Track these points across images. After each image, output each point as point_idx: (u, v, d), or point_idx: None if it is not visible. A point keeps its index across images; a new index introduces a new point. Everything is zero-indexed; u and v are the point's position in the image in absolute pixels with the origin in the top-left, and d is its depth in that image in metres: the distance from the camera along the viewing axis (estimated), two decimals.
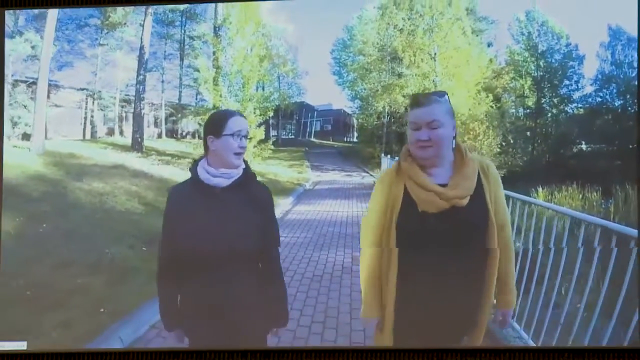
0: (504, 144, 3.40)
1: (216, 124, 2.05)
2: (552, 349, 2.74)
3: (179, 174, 3.42)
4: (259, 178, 3.42)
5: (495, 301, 2.09)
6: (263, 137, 3.57)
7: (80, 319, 2.80)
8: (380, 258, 2.03)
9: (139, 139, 3.61)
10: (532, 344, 2.77)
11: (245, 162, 2.11)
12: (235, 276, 2.04)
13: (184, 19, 3.57)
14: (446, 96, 2.00)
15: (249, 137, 2.14)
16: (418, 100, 1.96)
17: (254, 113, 3.52)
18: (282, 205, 3.48)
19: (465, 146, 2.01)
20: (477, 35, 3.41)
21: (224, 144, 2.03)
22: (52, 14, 3.30)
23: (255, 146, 3.51)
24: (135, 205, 3.21)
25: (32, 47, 3.31)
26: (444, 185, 1.95)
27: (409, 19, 3.41)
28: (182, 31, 3.59)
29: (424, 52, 3.45)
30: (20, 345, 2.86)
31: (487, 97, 3.37)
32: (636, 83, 2.99)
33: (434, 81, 3.46)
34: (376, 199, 2.04)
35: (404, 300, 2.02)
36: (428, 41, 3.44)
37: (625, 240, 2.52)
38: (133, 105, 3.65)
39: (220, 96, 3.45)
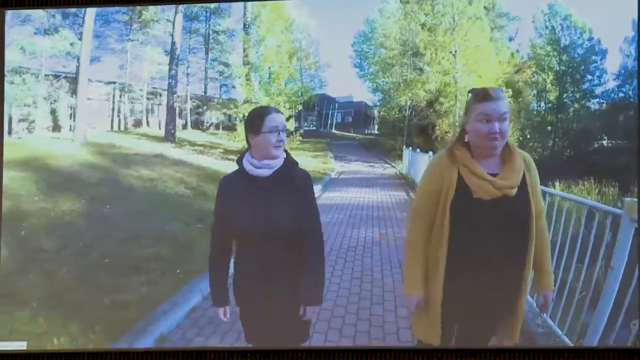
0: (521, 138, 3.41)
1: (255, 122, 2.19)
2: (553, 349, 2.77)
3: (214, 162, 3.62)
4: None
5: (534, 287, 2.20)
6: (292, 129, 3.68)
7: (160, 279, 3.03)
8: (429, 238, 2.11)
9: (172, 131, 3.76)
10: (566, 339, 2.76)
11: (286, 151, 2.24)
12: (277, 257, 2.17)
13: (208, 14, 3.65)
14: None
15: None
16: (489, 95, 2.05)
17: (284, 107, 3.62)
18: None
19: (511, 140, 2.10)
20: (498, 31, 3.41)
21: (263, 140, 2.17)
22: (90, 12, 3.38)
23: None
24: (182, 189, 3.40)
25: (71, 44, 3.42)
26: (494, 175, 2.05)
27: (431, 14, 3.43)
28: (207, 25, 3.67)
29: (445, 49, 3.48)
30: (20, 345, 2.91)
31: (507, 92, 3.38)
32: None
33: (454, 77, 3.49)
34: (429, 182, 2.14)
35: (451, 280, 2.09)
36: (449, 39, 3.46)
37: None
38: (159, 98, 3.76)
39: (252, 91, 3.54)
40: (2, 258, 2.93)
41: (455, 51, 3.48)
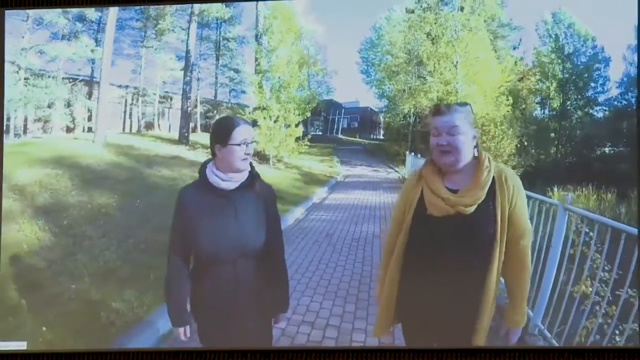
0: (519, 145, 3.46)
1: (222, 133, 2.10)
2: (553, 349, 2.75)
3: None
4: (295, 171, 3.79)
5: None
6: (301, 134, 3.76)
7: None
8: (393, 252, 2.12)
9: (185, 134, 3.87)
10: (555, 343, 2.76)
11: (250, 163, 2.16)
12: (241, 270, 2.11)
13: (219, 21, 3.76)
14: (469, 107, 2.03)
15: (254, 143, 2.17)
16: (440, 109, 2.00)
17: (294, 113, 3.70)
18: (319, 193, 3.80)
19: (488, 155, 2.03)
20: (501, 40, 3.47)
21: (230, 152, 2.09)
22: (111, 18, 3.51)
23: (295, 142, 3.77)
24: None
25: (92, 51, 3.57)
26: (456, 191, 1.99)
27: (434, 26, 3.50)
28: (218, 32, 3.79)
29: (447, 60, 3.55)
30: (20, 345, 2.93)
31: (507, 100, 3.43)
32: None
33: (455, 87, 3.55)
34: (399, 199, 2.14)
35: (405, 294, 2.10)
36: (450, 50, 3.53)
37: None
38: (170, 101, 3.88)
39: (265, 98, 3.64)
40: (49, 243, 3.14)
41: (457, 62, 3.55)
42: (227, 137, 2.08)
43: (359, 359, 2.82)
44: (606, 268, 2.58)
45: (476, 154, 2.02)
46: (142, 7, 3.56)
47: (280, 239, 2.25)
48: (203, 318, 2.20)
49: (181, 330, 2.22)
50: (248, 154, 2.11)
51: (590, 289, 2.65)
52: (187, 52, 3.72)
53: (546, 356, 2.75)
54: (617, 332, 2.60)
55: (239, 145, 2.08)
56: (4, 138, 3.15)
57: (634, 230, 2.51)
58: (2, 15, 3.14)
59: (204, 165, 2.15)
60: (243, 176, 2.13)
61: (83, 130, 3.69)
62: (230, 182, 2.11)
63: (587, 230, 2.67)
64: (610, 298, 2.58)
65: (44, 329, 2.94)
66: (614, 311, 2.57)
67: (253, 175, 2.15)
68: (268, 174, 3.71)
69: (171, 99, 3.89)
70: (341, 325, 2.90)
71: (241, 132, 2.09)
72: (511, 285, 2.05)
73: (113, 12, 3.49)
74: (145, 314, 2.99)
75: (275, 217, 2.23)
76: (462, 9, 3.46)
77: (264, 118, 3.67)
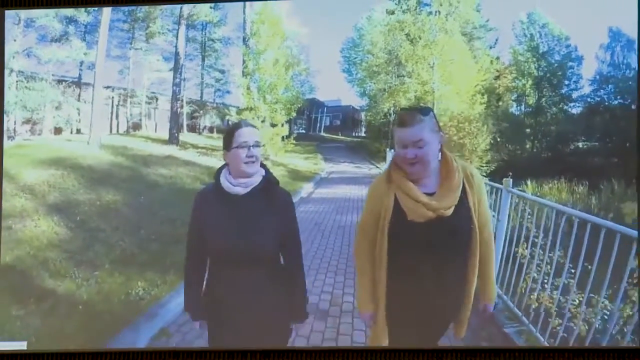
0: (493, 141, 3.55)
1: (226, 138, 2.13)
2: (553, 349, 2.78)
3: (219, 163, 3.84)
4: (282, 168, 3.91)
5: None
6: (287, 133, 3.86)
7: None
8: (373, 261, 2.14)
9: (176, 134, 3.96)
10: (541, 338, 2.85)
11: (266, 168, 2.17)
12: (255, 277, 2.11)
13: (205, 23, 3.86)
14: (431, 112, 2.06)
15: (260, 144, 2.17)
16: (404, 120, 2.02)
17: (280, 114, 3.81)
18: (306, 188, 3.96)
19: (453, 156, 2.09)
20: (478, 40, 3.58)
21: (233, 156, 2.11)
22: (105, 22, 3.58)
23: (281, 141, 3.88)
24: (199, 185, 3.62)
25: (85, 54, 3.64)
26: (431, 194, 2.05)
27: (413, 28, 3.62)
28: (203, 33, 3.88)
29: (424, 62, 3.66)
30: (20, 345, 2.98)
31: (482, 98, 3.54)
32: (632, 83, 3.11)
33: (432, 87, 3.66)
34: (369, 207, 2.16)
35: (394, 300, 2.14)
36: (427, 53, 3.65)
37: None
38: (156, 102, 3.98)
39: (253, 99, 3.73)
40: (67, 237, 3.34)
41: (434, 63, 3.65)
42: (230, 141, 2.11)
43: (359, 358, 2.88)
44: (537, 235, 3.03)
45: (440, 157, 2.09)
46: (129, 8, 3.63)
47: (298, 247, 2.23)
48: (215, 320, 2.25)
49: (197, 323, 2.31)
50: (251, 157, 2.10)
51: (527, 251, 3.09)
52: (177, 54, 3.81)
53: (546, 356, 2.79)
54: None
55: (239, 148, 2.09)
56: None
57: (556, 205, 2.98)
58: (2, 15, 3.20)
59: (219, 171, 2.18)
60: (253, 181, 2.12)
61: (71, 132, 3.78)
62: (240, 187, 2.11)
63: (523, 207, 3.20)
64: (542, 259, 3.00)
65: (80, 307, 3.14)
66: (549, 270, 2.91)
67: (268, 180, 2.16)
68: None
69: (157, 99, 3.98)
70: (333, 291, 3.23)
71: (242, 134, 2.10)
72: (482, 269, 2.14)
73: (106, 14, 3.56)
74: (170, 289, 3.20)
75: (292, 225, 2.22)
76: (438, 13, 3.56)
77: (253, 118, 3.76)
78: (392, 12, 3.65)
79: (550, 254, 2.94)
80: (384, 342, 2.21)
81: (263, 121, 3.80)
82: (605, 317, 2.67)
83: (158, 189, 3.61)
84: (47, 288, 3.16)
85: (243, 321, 2.18)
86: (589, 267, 2.65)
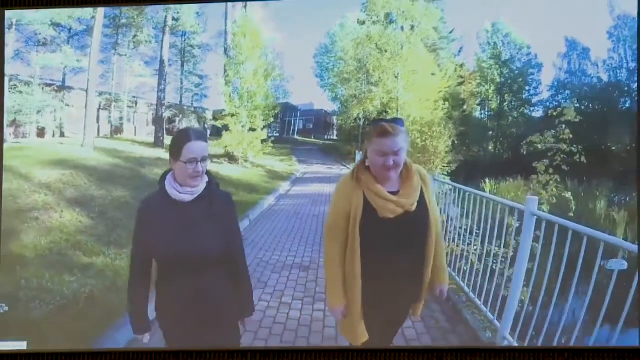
0: (454, 144, 3.73)
1: (174, 148, 2.12)
2: (552, 349, 2.81)
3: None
4: (261, 170, 4.12)
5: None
6: (265, 137, 4.05)
7: None
8: (344, 254, 2.28)
9: (161, 138, 4.13)
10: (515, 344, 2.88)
11: (208, 174, 2.18)
12: (204, 279, 2.15)
13: (184, 30, 4.02)
14: (403, 122, 2.27)
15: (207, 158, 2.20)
16: (386, 131, 2.16)
17: (259, 119, 4.01)
18: (283, 186, 4.24)
19: (409, 160, 2.28)
20: (442, 50, 3.77)
21: (181, 169, 2.10)
22: (98, 28, 3.72)
23: (261, 144, 4.09)
24: None
25: (77, 61, 3.77)
26: (394, 193, 2.23)
27: (381, 39, 3.81)
28: (183, 39, 4.05)
29: (390, 72, 3.86)
30: (20, 345, 3.01)
31: (443, 104, 3.72)
32: (587, 89, 3.33)
33: (396, 95, 3.85)
34: (339, 203, 2.29)
35: (369, 292, 2.29)
36: (392, 64, 3.85)
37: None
38: (136, 106, 4.15)
39: (235, 106, 3.92)
40: (91, 224, 3.57)
41: (398, 74, 3.85)
42: (179, 153, 2.09)
43: (358, 358, 2.95)
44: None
45: None
46: (113, 14, 3.76)
47: (241, 246, 2.29)
48: (168, 325, 2.26)
49: (144, 336, 2.27)
50: (197, 172, 2.10)
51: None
52: (161, 62, 3.97)
53: (546, 356, 2.86)
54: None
55: (187, 163, 2.08)
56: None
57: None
58: (2, 15, 3.24)
59: (163, 176, 2.18)
60: (199, 189, 2.14)
61: (53, 136, 3.93)
62: (186, 194, 2.13)
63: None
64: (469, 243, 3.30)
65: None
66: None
67: (210, 186, 2.17)
68: (239, 172, 4.07)
69: (136, 103, 4.14)
70: (310, 265, 3.62)
71: (191, 150, 2.08)
72: (435, 256, 2.34)
73: (99, 21, 3.70)
74: None
75: (234, 225, 2.27)
76: (402, 28, 3.77)
77: (235, 124, 3.95)
78: (363, 22, 3.83)
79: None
80: (360, 333, 2.35)
81: (243, 126, 3.98)
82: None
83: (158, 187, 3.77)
84: (85, 262, 3.41)
85: (195, 323, 2.21)
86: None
